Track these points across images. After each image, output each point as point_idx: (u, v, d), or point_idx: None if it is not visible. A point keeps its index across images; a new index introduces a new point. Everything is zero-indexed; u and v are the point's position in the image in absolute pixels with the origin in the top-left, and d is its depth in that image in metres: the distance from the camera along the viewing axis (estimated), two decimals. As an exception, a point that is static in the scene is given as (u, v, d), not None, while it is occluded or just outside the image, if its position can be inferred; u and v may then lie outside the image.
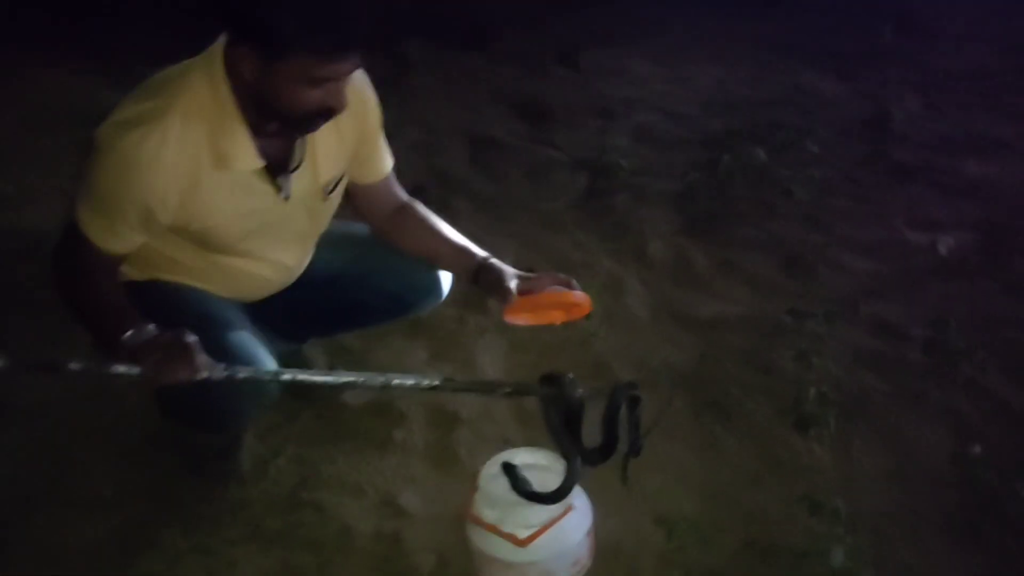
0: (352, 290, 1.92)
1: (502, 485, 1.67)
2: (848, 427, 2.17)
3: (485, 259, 1.79)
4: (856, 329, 2.54)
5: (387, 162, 1.84)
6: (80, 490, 1.91)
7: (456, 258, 1.83)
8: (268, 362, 1.65)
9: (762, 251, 2.91)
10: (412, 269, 1.92)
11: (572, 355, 2.40)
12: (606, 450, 1.67)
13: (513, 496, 1.65)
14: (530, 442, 1.82)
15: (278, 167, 1.62)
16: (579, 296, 1.67)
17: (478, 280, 1.78)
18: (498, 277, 1.73)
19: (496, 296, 1.74)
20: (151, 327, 1.53)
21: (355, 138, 1.71)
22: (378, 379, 1.63)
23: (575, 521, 1.67)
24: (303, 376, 1.63)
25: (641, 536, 1.85)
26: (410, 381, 1.64)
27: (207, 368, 1.50)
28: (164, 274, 1.72)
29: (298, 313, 1.92)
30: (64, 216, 1.61)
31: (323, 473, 1.97)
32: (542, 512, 1.63)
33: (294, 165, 1.64)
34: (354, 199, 1.86)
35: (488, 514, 1.65)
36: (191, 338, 1.49)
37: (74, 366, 1.50)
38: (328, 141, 1.66)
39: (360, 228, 1.94)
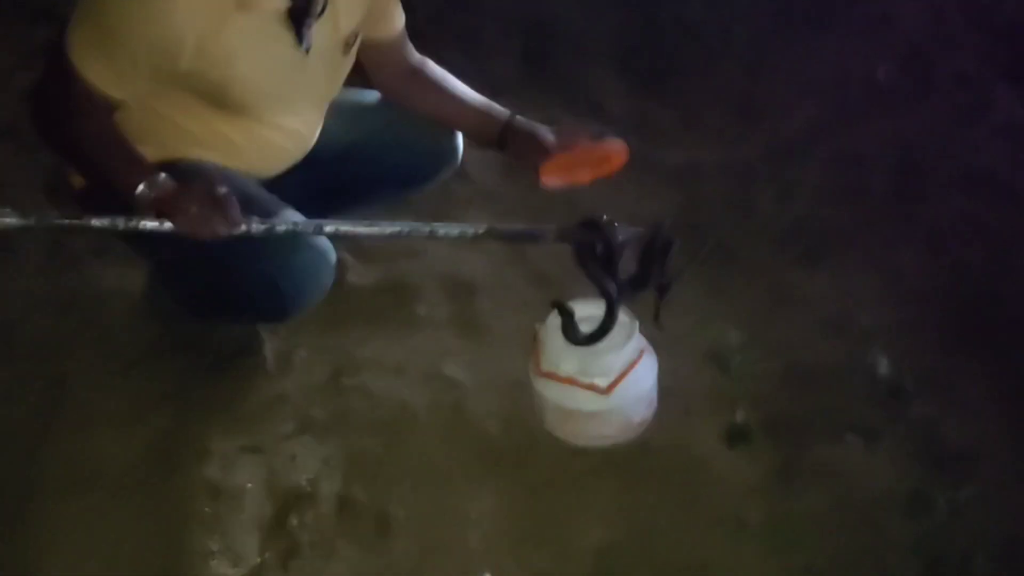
0: (366, 164, 1.80)
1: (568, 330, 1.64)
2: (841, 258, 2.26)
3: (511, 118, 1.70)
4: (822, 165, 2.62)
5: (401, 15, 1.69)
6: (93, 410, 1.73)
7: (480, 120, 1.73)
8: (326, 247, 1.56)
9: (715, 101, 2.92)
10: (426, 136, 1.82)
11: (562, 215, 2.34)
12: (638, 283, 1.66)
13: (585, 348, 1.63)
14: (547, 302, 1.77)
15: (299, 12, 1.45)
16: (618, 146, 1.62)
17: (505, 143, 1.69)
18: (530, 136, 1.65)
19: (529, 159, 1.66)
20: (163, 176, 1.39)
21: None
22: (424, 228, 1.57)
23: (648, 364, 1.68)
24: (346, 228, 1.52)
25: (693, 374, 1.88)
26: (456, 230, 1.58)
27: (245, 221, 1.38)
28: (172, 149, 1.54)
29: (311, 192, 1.77)
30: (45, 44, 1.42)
31: (356, 356, 1.88)
32: (619, 358, 1.63)
33: (318, 9, 1.47)
34: (365, 60, 1.71)
35: (565, 367, 1.63)
36: (223, 188, 1.36)
37: (97, 222, 1.36)
38: None
39: (368, 95, 1.81)
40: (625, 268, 1.65)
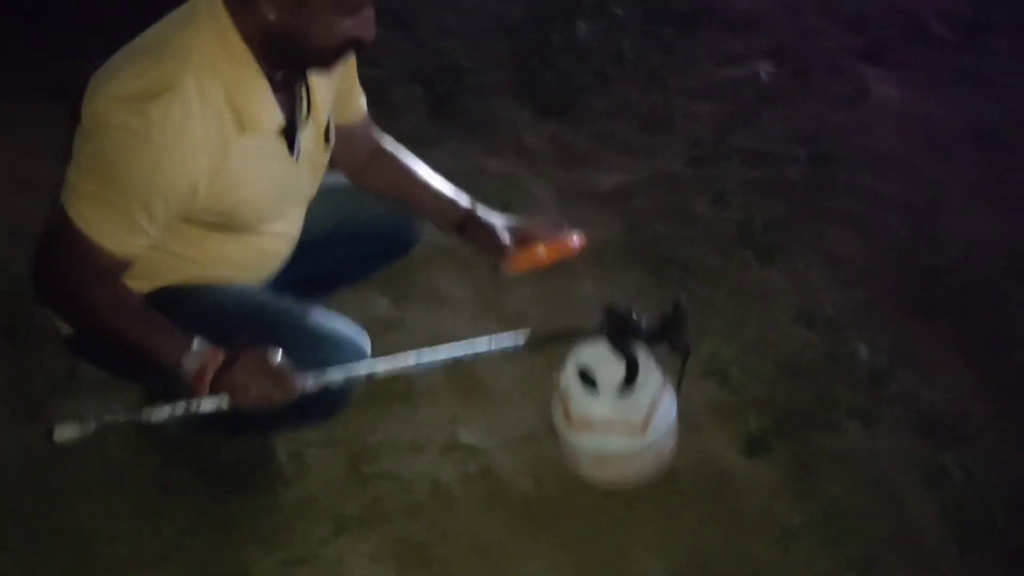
0: (349, 244, 1.76)
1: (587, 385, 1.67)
2: (788, 253, 2.39)
3: (470, 210, 1.70)
4: (740, 165, 2.76)
5: (363, 97, 1.68)
6: (118, 559, 1.60)
7: (438, 206, 1.72)
8: (358, 336, 1.53)
9: (620, 117, 3.02)
10: (398, 211, 1.80)
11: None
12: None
13: (609, 392, 1.66)
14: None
15: (292, 125, 1.43)
16: (574, 239, 1.67)
17: (464, 231, 1.70)
18: (489, 232, 1.67)
19: (486, 250, 1.69)
20: (203, 346, 1.35)
21: (340, 71, 1.53)
22: (468, 350, 1.55)
23: (670, 394, 1.73)
24: (397, 365, 1.49)
25: (695, 392, 1.94)
26: (499, 345, 1.57)
27: (301, 383, 1.37)
28: (168, 278, 1.47)
29: (296, 283, 1.72)
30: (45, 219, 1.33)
31: (370, 443, 1.83)
32: (648, 394, 1.66)
33: (303, 118, 1.45)
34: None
35: (597, 413, 1.65)
36: (275, 353, 1.34)
37: (158, 416, 1.33)
38: (320, 82, 1.48)
39: (335, 178, 1.77)
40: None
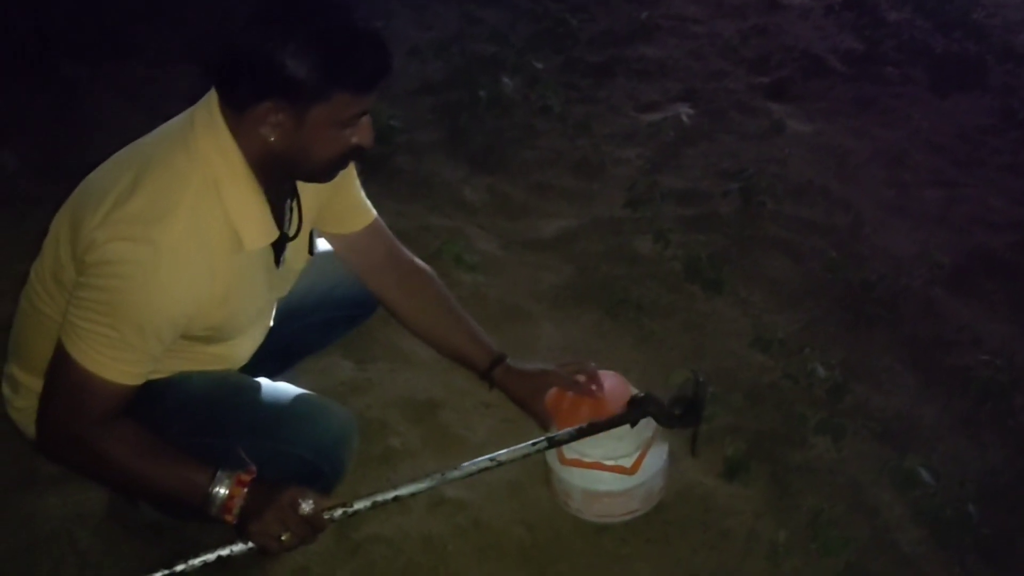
0: (313, 314, 1.76)
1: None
2: (732, 283, 2.49)
3: (502, 354, 1.70)
4: (673, 204, 2.87)
5: (365, 211, 1.66)
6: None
7: (468, 350, 1.72)
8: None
9: (552, 166, 3.12)
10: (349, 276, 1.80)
11: (473, 310, 2.40)
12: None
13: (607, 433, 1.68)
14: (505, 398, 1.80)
15: (282, 241, 1.45)
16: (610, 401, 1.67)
17: (493, 376, 1.70)
18: (523, 382, 1.68)
19: (518, 402, 1.71)
20: (220, 481, 1.33)
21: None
22: (487, 462, 1.55)
23: (660, 437, 1.76)
24: (416, 487, 1.48)
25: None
26: (519, 453, 1.57)
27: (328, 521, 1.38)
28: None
29: (267, 356, 1.71)
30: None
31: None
32: (639, 438, 1.68)
33: (292, 229, 1.47)
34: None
35: (590, 453, 1.68)
36: (306, 500, 1.34)
37: (189, 566, 1.34)
38: (307, 194, 1.50)
39: None
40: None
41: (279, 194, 1.41)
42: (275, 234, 1.39)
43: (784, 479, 1.90)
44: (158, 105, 3.27)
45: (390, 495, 1.44)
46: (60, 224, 1.36)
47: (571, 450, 1.69)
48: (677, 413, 1.66)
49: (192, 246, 1.25)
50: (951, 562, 1.75)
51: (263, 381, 1.54)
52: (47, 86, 3.38)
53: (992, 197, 2.99)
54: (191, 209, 1.25)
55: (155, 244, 1.21)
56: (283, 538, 1.33)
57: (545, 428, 1.68)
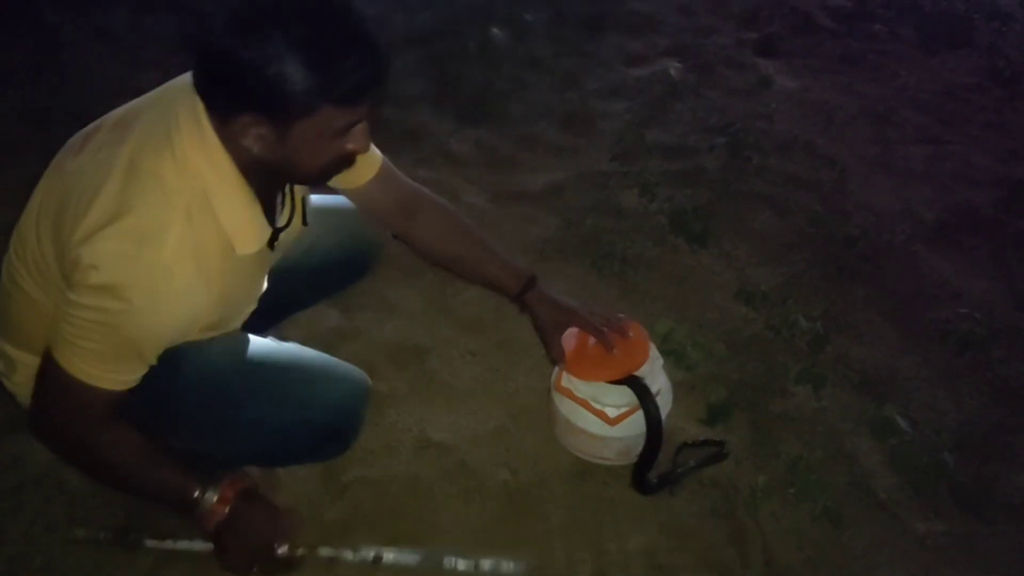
0: (311, 275, 1.74)
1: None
2: (717, 236, 2.51)
3: (531, 282, 1.69)
4: (660, 157, 2.88)
5: (372, 155, 1.61)
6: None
7: (499, 275, 1.69)
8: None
9: (541, 119, 3.10)
10: (354, 233, 1.80)
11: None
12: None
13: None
14: (489, 345, 1.89)
15: (277, 233, 1.41)
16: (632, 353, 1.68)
17: (523, 301, 1.69)
18: (548, 323, 1.68)
19: (539, 331, 1.71)
20: (207, 495, 1.35)
21: None
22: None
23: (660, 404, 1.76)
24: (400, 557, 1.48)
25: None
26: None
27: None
28: None
29: (263, 314, 1.68)
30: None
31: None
32: (631, 396, 1.69)
33: (284, 219, 1.44)
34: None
35: (582, 389, 1.71)
36: (282, 542, 1.38)
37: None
38: None
39: None
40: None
41: (271, 191, 1.36)
42: (268, 234, 1.34)
43: (764, 427, 1.94)
44: (141, 52, 3.26)
45: (363, 554, 1.46)
46: (41, 214, 1.29)
47: (568, 380, 1.72)
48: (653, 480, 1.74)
49: (187, 264, 1.20)
50: (926, 508, 1.79)
51: (275, 344, 1.53)
52: (30, 33, 3.33)
53: (976, 154, 3.01)
54: (183, 225, 1.19)
55: (150, 266, 1.16)
56: (251, 542, 1.36)
57: (554, 363, 1.70)
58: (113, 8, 3.62)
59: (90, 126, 1.33)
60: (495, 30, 3.29)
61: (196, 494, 1.33)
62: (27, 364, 1.40)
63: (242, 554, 1.35)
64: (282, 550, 1.37)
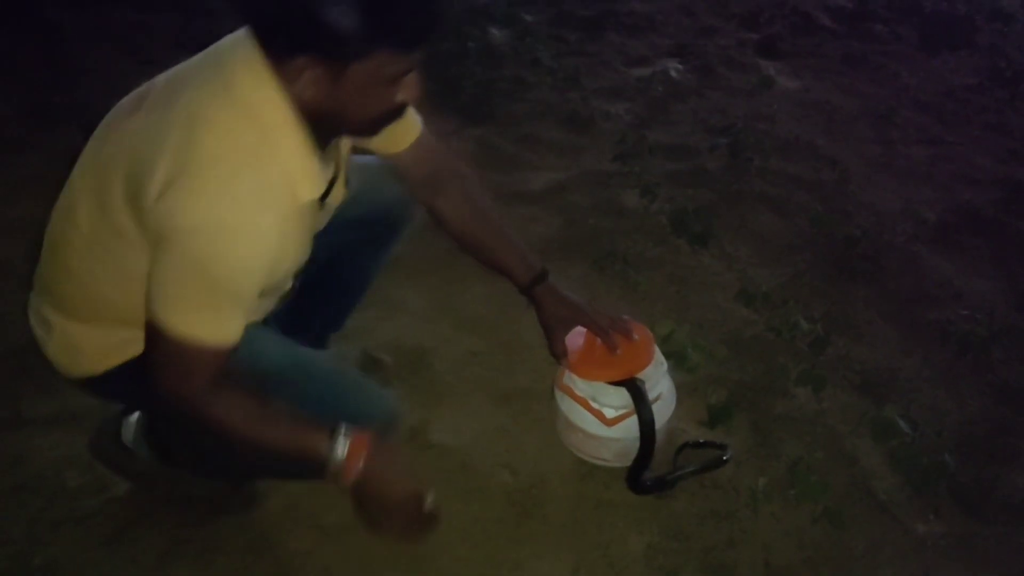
0: (350, 226, 1.64)
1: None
2: (718, 237, 2.51)
3: (542, 276, 1.66)
4: (661, 158, 2.88)
5: (413, 119, 1.58)
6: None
7: (511, 263, 1.66)
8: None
9: (541, 119, 3.11)
10: (384, 194, 1.72)
11: (462, 261, 2.39)
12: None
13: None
14: (490, 344, 1.88)
15: (329, 187, 1.41)
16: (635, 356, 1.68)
17: (531, 294, 1.67)
18: (554, 319, 1.66)
19: (543, 326, 1.69)
20: (339, 440, 1.32)
21: None
22: None
23: (659, 409, 1.74)
24: None
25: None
26: None
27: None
28: None
29: (316, 290, 1.66)
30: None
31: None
32: (629, 397, 1.68)
33: (333, 174, 1.42)
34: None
35: (581, 388, 1.71)
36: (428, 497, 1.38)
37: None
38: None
39: None
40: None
41: (322, 142, 1.35)
42: (326, 182, 1.35)
43: (765, 428, 1.94)
44: (146, 50, 3.26)
45: None
46: (107, 181, 1.29)
47: (569, 378, 1.72)
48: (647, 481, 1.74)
49: (259, 199, 1.20)
50: (926, 509, 1.79)
51: (319, 354, 1.54)
52: (34, 31, 3.33)
53: (977, 155, 3.02)
54: (252, 167, 1.20)
55: (227, 203, 1.18)
56: (397, 524, 1.37)
57: (557, 360, 1.70)
58: (116, 6, 3.62)
59: (141, 87, 1.33)
60: (495, 31, 3.29)
61: (329, 444, 1.31)
62: (65, 331, 1.41)
63: (389, 508, 1.35)
64: (429, 499, 1.35)
